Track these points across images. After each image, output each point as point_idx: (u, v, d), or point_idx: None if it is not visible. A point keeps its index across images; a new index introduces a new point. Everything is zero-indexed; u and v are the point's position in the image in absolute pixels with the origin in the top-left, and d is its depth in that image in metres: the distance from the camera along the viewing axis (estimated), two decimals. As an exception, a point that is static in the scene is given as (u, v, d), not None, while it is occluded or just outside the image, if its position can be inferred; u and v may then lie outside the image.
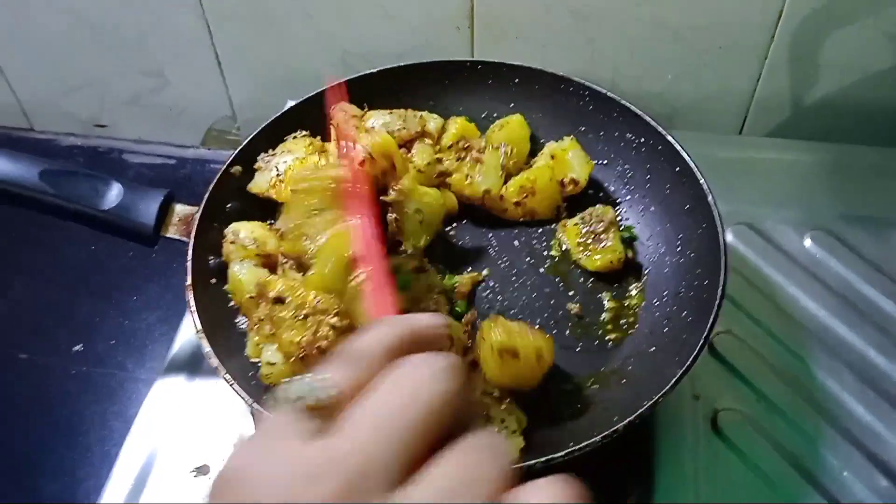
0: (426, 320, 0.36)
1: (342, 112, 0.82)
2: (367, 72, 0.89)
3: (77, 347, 0.92)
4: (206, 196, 0.76)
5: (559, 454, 0.59)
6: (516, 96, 0.90)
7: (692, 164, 0.77)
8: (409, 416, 0.30)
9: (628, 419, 0.61)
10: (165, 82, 1.15)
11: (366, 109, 0.86)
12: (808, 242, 0.90)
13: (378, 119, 0.84)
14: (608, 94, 0.85)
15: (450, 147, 0.85)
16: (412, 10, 0.99)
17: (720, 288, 0.69)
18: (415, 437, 0.30)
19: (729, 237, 0.90)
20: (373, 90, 0.87)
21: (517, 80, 0.89)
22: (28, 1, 1.08)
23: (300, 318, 0.63)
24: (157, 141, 1.20)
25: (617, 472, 0.72)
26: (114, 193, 0.73)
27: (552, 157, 0.84)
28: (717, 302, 0.68)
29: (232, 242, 0.75)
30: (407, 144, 0.84)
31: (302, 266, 0.66)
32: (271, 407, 0.33)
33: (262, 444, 0.32)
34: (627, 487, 0.72)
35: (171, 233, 0.75)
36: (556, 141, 0.86)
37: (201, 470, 0.73)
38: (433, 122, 0.87)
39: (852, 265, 0.87)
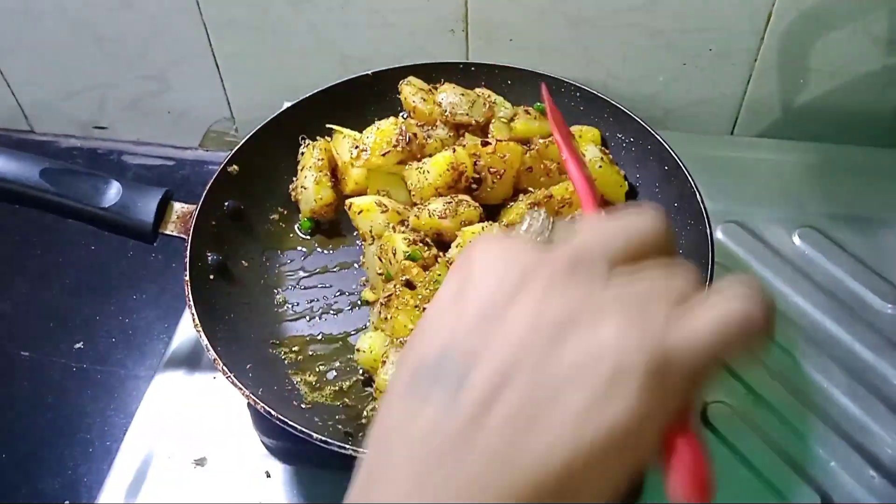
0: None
1: (411, 86, 0.87)
2: (363, 73, 0.90)
3: (78, 345, 0.93)
4: (204, 193, 0.78)
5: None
6: (509, 97, 0.91)
7: (681, 163, 0.79)
8: (629, 232, 0.35)
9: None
10: (165, 86, 1.17)
11: (442, 83, 0.88)
12: (796, 240, 0.91)
13: (448, 97, 0.85)
14: (599, 94, 0.86)
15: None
16: (409, 16, 1.01)
17: (707, 283, 0.70)
18: (630, 247, 0.34)
19: (719, 235, 0.91)
20: (369, 91, 0.89)
21: (510, 82, 0.90)
22: (30, 6, 1.10)
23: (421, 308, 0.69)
24: (155, 142, 1.21)
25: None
26: (113, 192, 0.75)
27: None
28: (704, 296, 0.69)
29: (383, 211, 0.79)
30: (469, 130, 0.85)
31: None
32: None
33: (505, 236, 0.37)
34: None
35: (170, 230, 0.76)
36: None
37: (200, 462, 0.74)
38: (504, 111, 0.88)
39: (840, 262, 0.88)
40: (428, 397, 0.31)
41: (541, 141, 0.83)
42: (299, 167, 0.87)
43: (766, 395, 0.78)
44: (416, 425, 0.31)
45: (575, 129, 0.86)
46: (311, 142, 0.88)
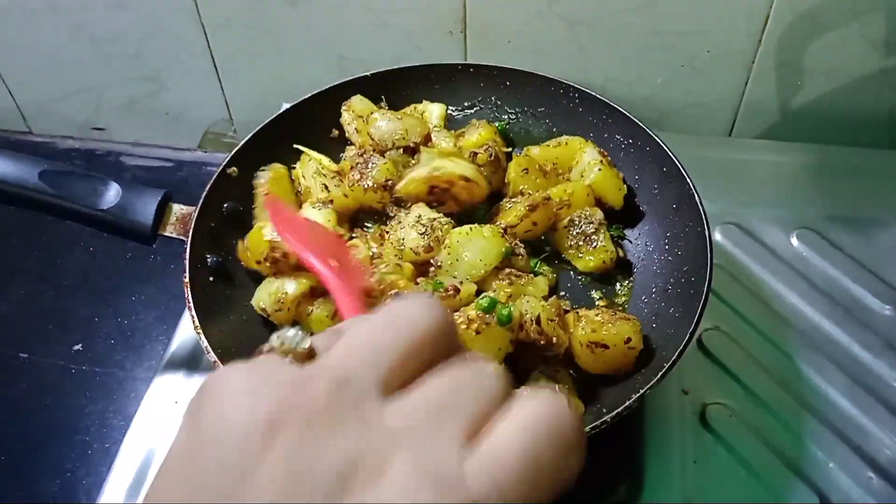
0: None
1: (349, 112, 0.86)
2: (361, 74, 0.90)
3: (76, 347, 0.93)
4: (204, 195, 0.78)
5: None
6: (507, 99, 0.91)
7: (679, 165, 0.79)
8: (398, 333, 0.30)
9: (616, 411, 0.62)
10: (163, 87, 1.16)
11: (382, 104, 0.88)
12: (794, 241, 0.91)
13: (381, 124, 0.84)
14: (597, 96, 0.86)
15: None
16: (406, 17, 1.01)
17: (706, 284, 0.70)
18: (404, 353, 0.29)
19: (717, 236, 0.91)
20: (366, 93, 0.89)
21: (508, 83, 0.90)
22: (28, 8, 1.09)
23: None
24: (154, 144, 1.21)
25: (607, 466, 0.73)
26: (112, 193, 0.75)
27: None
28: (703, 298, 0.69)
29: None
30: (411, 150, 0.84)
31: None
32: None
33: (241, 364, 0.30)
34: (617, 481, 0.73)
35: (169, 231, 0.76)
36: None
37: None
38: (436, 111, 0.88)
39: (837, 263, 0.89)
40: None
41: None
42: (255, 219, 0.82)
43: (764, 397, 0.78)
44: None
45: (564, 139, 0.86)
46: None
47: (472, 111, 0.93)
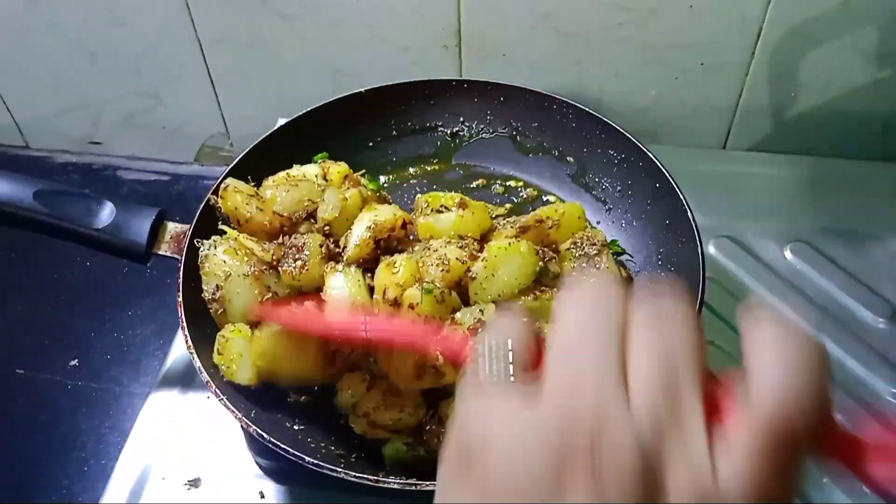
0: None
1: (238, 194, 0.76)
2: (356, 91, 0.90)
3: (73, 362, 0.94)
4: (197, 215, 0.78)
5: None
6: (501, 114, 0.92)
7: (672, 180, 0.79)
8: (604, 346, 0.32)
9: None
10: (160, 102, 1.17)
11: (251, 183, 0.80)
12: (788, 254, 0.92)
13: (280, 198, 0.75)
14: (590, 111, 0.87)
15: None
16: (401, 32, 1.02)
17: (699, 299, 0.70)
18: (612, 358, 0.32)
19: (711, 250, 0.92)
20: (361, 109, 0.89)
21: (502, 98, 0.91)
22: (25, 24, 1.10)
23: None
24: (151, 158, 1.22)
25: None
26: (106, 213, 0.75)
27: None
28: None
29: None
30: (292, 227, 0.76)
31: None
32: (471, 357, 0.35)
33: (488, 407, 0.33)
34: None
35: (164, 250, 0.77)
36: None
37: (194, 483, 0.74)
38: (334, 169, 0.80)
39: (831, 276, 0.89)
40: None
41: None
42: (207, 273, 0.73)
43: (758, 411, 0.78)
44: None
45: (558, 206, 0.81)
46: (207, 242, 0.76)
47: (468, 126, 0.94)
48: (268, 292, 0.71)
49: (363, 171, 0.86)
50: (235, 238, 0.74)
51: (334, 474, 0.60)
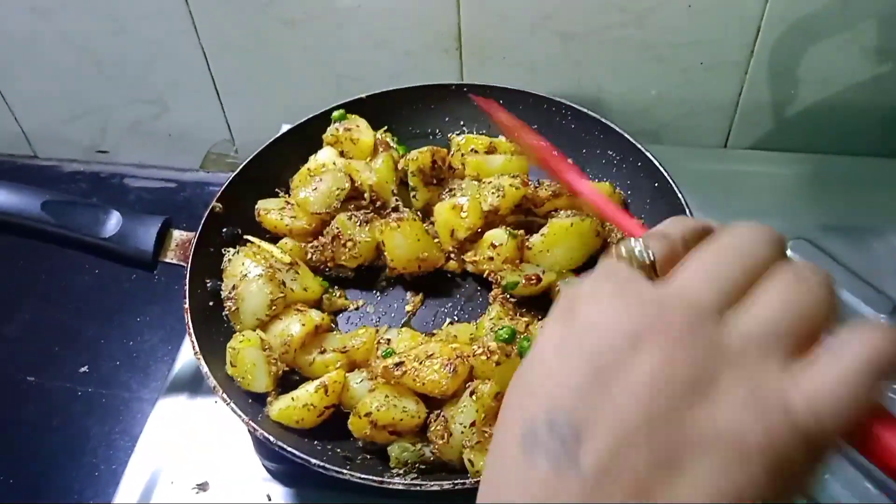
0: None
1: (268, 212, 0.83)
2: (358, 97, 0.91)
3: (83, 369, 0.95)
4: (202, 222, 0.79)
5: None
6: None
7: (670, 180, 0.80)
8: (737, 260, 0.34)
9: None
10: (165, 109, 1.18)
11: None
12: (789, 251, 0.92)
13: (305, 192, 0.82)
14: (589, 113, 0.87)
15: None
16: (403, 36, 1.03)
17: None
18: (743, 278, 0.33)
19: (713, 248, 0.92)
20: (363, 114, 0.90)
21: (502, 102, 0.91)
22: (32, 35, 1.11)
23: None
24: (157, 165, 1.23)
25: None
26: (113, 222, 0.76)
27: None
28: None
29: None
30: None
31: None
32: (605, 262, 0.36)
33: (606, 277, 0.35)
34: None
35: (170, 258, 0.78)
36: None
37: (202, 486, 0.75)
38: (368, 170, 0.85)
39: (833, 273, 0.87)
40: (544, 461, 0.30)
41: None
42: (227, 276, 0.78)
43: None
44: (534, 490, 0.30)
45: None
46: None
47: (468, 130, 0.95)
48: (280, 292, 0.74)
49: (385, 128, 0.90)
50: (258, 245, 0.80)
51: (340, 476, 0.61)
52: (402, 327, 0.77)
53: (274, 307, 0.73)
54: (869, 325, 0.31)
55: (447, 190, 0.84)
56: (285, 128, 0.90)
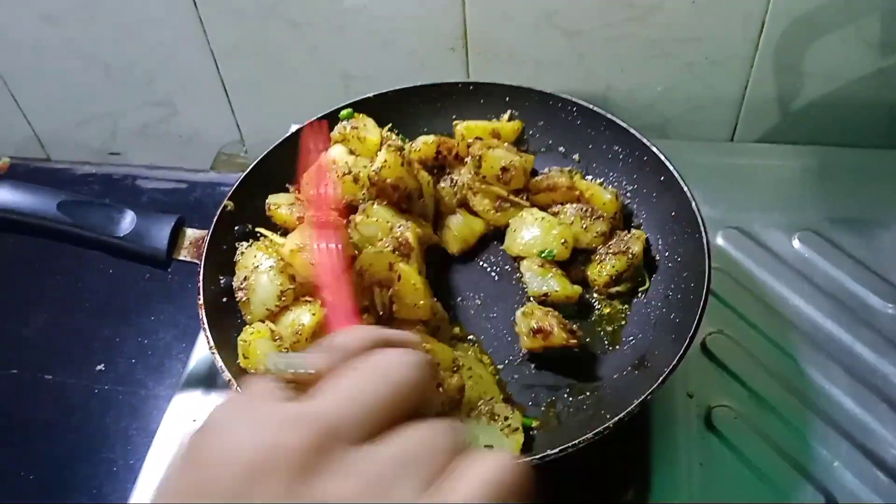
0: (400, 333, 0.40)
1: (278, 208, 0.85)
2: (364, 96, 0.92)
3: (99, 367, 0.96)
4: (215, 220, 0.80)
5: (554, 451, 0.62)
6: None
7: (676, 174, 0.80)
8: (378, 389, 0.34)
9: (618, 416, 0.64)
10: (175, 111, 1.20)
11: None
12: (796, 244, 0.92)
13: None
14: (594, 108, 0.88)
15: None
16: (408, 35, 1.04)
17: (705, 289, 0.72)
18: (381, 408, 0.34)
19: (720, 241, 0.93)
20: (371, 113, 0.91)
21: (508, 99, 0.92)
22: (44, 41, 1.13)
23: None
24: (168, 166, 1.24)
25: (614, 470, 0.75)
26: (127, 221, 0.78)
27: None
28: (702, 303, 0.71)
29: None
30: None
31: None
32: (252, 377, 0.36)
33: (242, 400, 0.36)
34: (625, 484, 0.75)
35: (183, 255, 0.79)
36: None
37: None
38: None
39: (839, 264, 0.90)
40: None
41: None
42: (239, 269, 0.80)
43: (768, 398, 0.79)
44: None
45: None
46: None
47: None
48: (290, 283, 0.76)
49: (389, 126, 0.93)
50: (270, 238, 0.83)
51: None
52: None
53: (284, 298, 0.75)
54: (492, 452, 0.34)
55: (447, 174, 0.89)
56: (294, 128, 0.92)
